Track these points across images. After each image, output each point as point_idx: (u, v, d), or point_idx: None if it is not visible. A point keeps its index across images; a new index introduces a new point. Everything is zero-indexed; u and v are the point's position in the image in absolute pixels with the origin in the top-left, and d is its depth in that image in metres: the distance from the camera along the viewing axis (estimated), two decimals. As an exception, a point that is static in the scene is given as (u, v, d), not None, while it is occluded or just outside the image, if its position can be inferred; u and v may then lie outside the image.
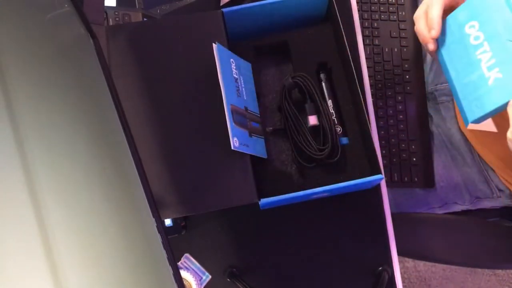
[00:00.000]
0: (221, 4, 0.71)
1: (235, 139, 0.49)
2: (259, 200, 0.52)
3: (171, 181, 0.51)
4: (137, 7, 0.70)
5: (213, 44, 0.50)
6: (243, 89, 0.56)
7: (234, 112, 0.51)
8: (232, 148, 0.48)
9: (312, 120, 0.59)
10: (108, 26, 0.55)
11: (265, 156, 0.57)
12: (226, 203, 0.52)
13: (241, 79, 0.56)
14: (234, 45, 0.58)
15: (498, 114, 0.65)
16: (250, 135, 0.54)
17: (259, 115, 0.59)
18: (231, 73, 0.53)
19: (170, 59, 0.55)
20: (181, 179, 0.52)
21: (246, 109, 0.55)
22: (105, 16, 0.64)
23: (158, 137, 0.53)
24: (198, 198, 0.52)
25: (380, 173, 0.54)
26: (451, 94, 0.80)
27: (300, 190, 0.53)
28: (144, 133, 0.52)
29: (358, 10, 0.83)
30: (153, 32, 0.56)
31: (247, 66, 0.59)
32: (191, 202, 0.51)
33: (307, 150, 0.57)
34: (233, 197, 0.52)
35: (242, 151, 0.50)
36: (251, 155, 0.53)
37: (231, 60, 0.54)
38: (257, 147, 0.55)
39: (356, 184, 0.53)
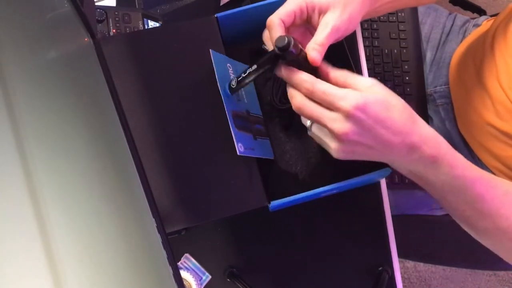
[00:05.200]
0: (221, 4, 0.71)
1: (240, 144, 0.49)
2: (269, 203, 0.51)
3: (179, 192, 0.51)
4: (137, 7, 0.70)
5: (210, 51, 0.50)
6: (243, 92, 0.56)
7: (236, 117, 0.50)
8: (238, 153, 0.48)
9: None
10: (102, 39, 0.55)
11: (272, 157, 0.57)
12: (236, 209, 0.51)
13: None
14: (231, 49, 0.57)
15: (498, 116, 0.65)
16: (255, 138, 0.53)
17: (262, 117, 0.58)
18: (229, 79, 0.53)
19: (168, 68, 0.54)
20: (189, 188, 0.51)
21: (248, 112, 0.54)
22: (104, 15, 0.64)
23: (162, 149, 0.52)
24: (207, 206, 0.51)
25: (387, 166, 0.53)
26: (449, 97, 0.80)
27: (308, 189, 0.52)
28: (148, 146, 0.52)
29: (358, 11, 0.83)
30: (148, 42, 0.55)
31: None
32: (200, 211, 0.51)
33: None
34: (242, 202, 0.51)
35: (248, 155, 0.50)
36: (257, 158, 0.52)
37: (228, 65, 0.54)
38: (263, 149, 0.55)
39: (365, 179, 0.53)
